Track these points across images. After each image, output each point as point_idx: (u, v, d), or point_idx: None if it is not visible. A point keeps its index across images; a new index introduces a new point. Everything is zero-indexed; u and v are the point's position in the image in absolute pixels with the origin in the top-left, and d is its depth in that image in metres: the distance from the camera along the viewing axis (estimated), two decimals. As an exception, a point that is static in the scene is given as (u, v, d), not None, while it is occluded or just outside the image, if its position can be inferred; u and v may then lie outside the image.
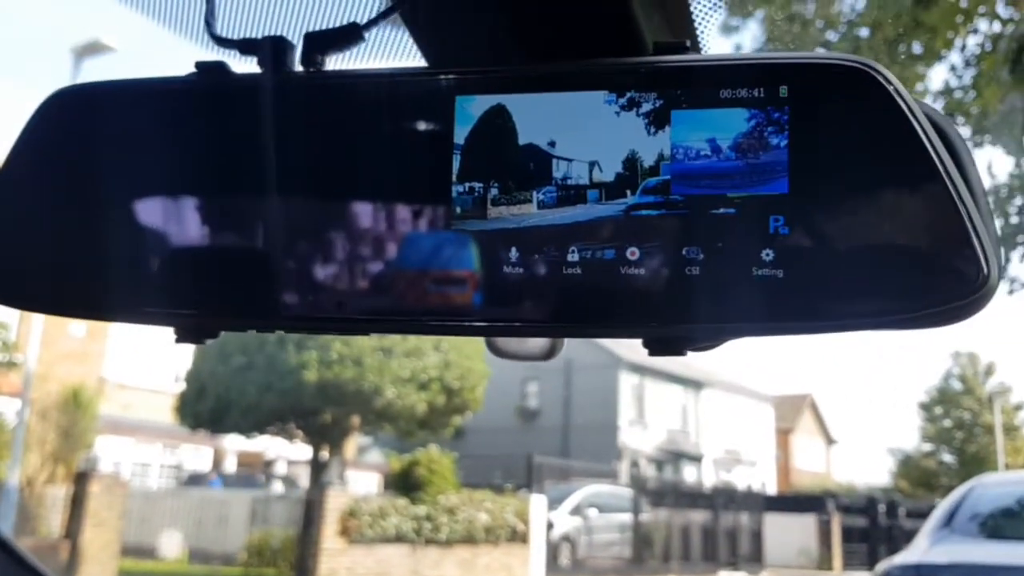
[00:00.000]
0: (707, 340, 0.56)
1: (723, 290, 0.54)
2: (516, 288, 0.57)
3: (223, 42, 0.67)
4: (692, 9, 0.59)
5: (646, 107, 0.56)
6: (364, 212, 0.59)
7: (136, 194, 0.62)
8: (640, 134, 0.56)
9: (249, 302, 0.60)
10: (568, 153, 0.57)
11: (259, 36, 0.65)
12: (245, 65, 0.64)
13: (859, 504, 25.28)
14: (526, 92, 0.58)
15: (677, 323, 0.55)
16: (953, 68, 10.42)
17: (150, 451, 23.09)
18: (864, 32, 10.30)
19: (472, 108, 0.59)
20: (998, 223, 9.97)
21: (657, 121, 0.56)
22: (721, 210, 0.54)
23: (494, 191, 0.58)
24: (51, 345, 18.42)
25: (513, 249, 0.57)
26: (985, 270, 0.51)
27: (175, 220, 0.61)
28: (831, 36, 10.65)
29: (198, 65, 0.63)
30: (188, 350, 17.76)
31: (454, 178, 0.58)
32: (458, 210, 0.58)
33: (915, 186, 0.52)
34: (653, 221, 0.55)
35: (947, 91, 10.56)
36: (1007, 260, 9.90)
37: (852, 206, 0.53)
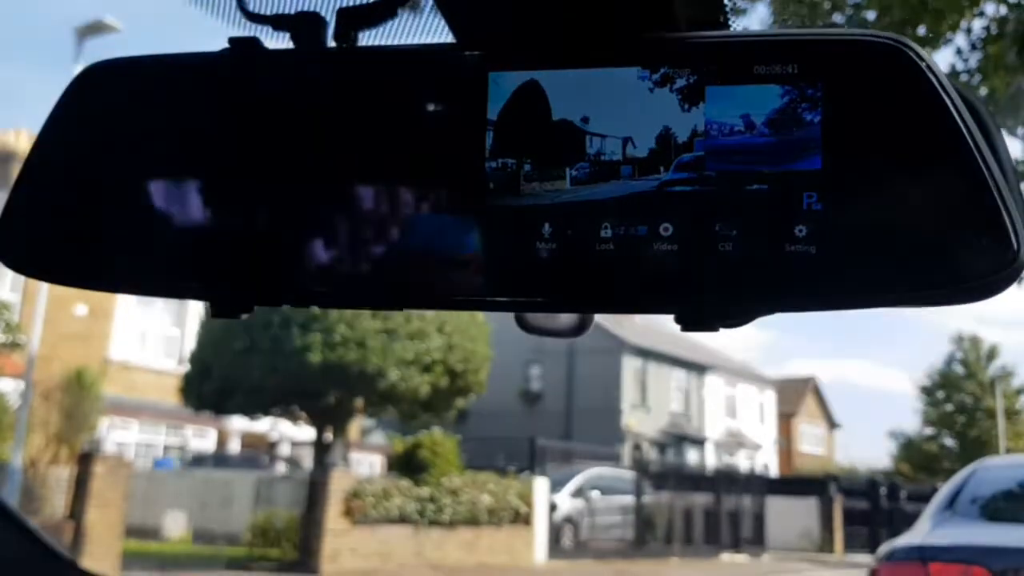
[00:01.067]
0: (739, 316, 0.56)
1: (756, 265, 0.54)
2: (548, 264, 0.57)
3: (255, 18, 0.67)
4: None
5: (680, 83, 0.56)
6: (398, 188, 0.59)
7: (169, 169, 0.62)
8: (674, 110, 0.56)
9: (283, 278, 0.61)
10: (601, 129, 0.57)
11: (291, 12, 0.65)
12: (277, 42, 0.64)
13: (861, 487, 25.38)
14: (559, 68, 0.58)
15: (710, 299, 0.56)
16: (959, 51, 10.37)
17: (154, 432, 23.16)
18: (871, 15, 10.26)
19: (505, 84, 0.59)
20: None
21: (691, 97, 0.56)
22: (755, 186, 0.55)
23: (527, 167, 0.58)
24: (55, 326, 18.46)
25: (546, 225, 0.57)
26: (1015, 246, 0.51)
27: (208, 195, 0.61)
28: (838, 18, 10.61)
29: (231, 41, 0.63)
30: (192, 331, 17.80)
31: (487, 154, 0.58)
32: (491, 186, 0.58)
33: (947, 163, 0.52)
34: (686, 197, 0.56)
35: (953, 74, 10.53)
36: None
37: (885, 183, 0.53)
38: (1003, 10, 9.36)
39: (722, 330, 0.57)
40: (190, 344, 16.60)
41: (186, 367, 15.81)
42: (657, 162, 0.56)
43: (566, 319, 0.67)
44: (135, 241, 0.62)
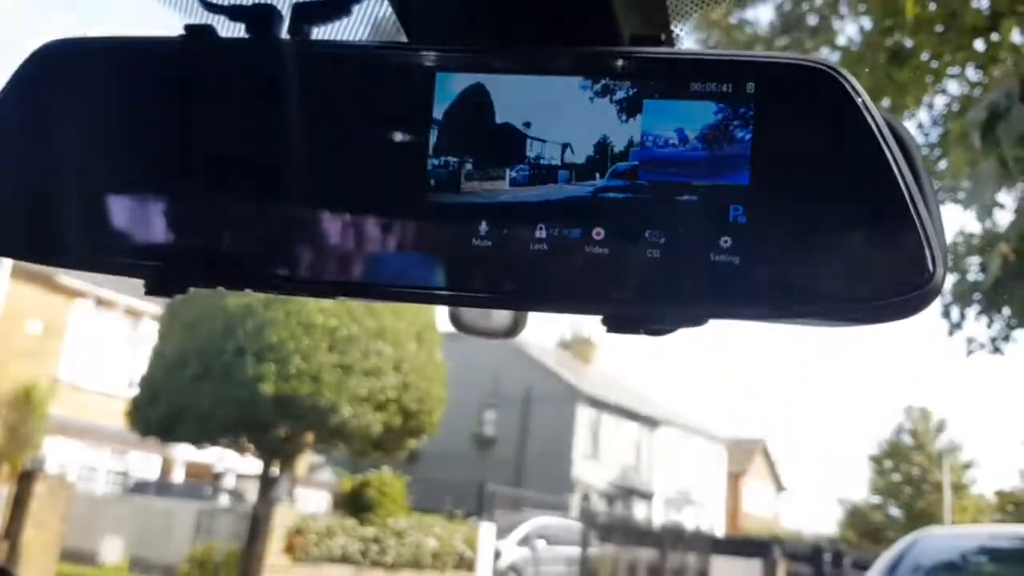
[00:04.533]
0: (663, 321, 0.58)
1: (681, 273, 0.56)
2: (484, 261, 0.59)
3: (212, 7, 0.68)
4: (668, 4, 0.62)
5: (619, 95, 0.59)
6: (340, 179, 0.61)
7: (117, 148, 0.63)
8: (612, 120, 0.58)
9: (218, 260, 0.62)
10: (542, 134, 0.59)
11: (248, 3, 0.67)
12: (233, 31, 0.66)
13: (805, 552, 25.39)
14: (505, 73, 0.60)
15: (636, 303, 0.58)
16: (921, 126, 10.64)
17: (98, 455, 22.69)
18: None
19: (452, 85, 0.61)
20: (955, 279, 10.15)
21: (629, 109, 0.58)
22: (684, 197, 0.57)
23: (468, 166, 0.60)
24: (7, 341, 18.14)
25: (483, 223, 0.59)
26: (931, 268, 0.53)
27: (152, 175, 0.62)
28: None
29: (187, 27, 0.65)
30: (144, 354, 17.54)
31: (430, 151, 0.60)
32: (432, 183, 0.60)
33: (870, 184, 0.55)
34: (619, 204, 0.58)
35: (914, 149, 10.78)
36: (963, 317, 10.06)
37: (809, 200, 0.55)
38: (964, 89, 9.63)
39: (646, 336, 0.59)
40: (141, 368, 16.34)
41: (135, 391, 15.55)
42: (593, 169, 0.58)
43: (500, 320, 0.68)
44: (80, 217, 0.63)
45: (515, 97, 0.60)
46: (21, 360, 19.00)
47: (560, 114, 0.59)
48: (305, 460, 22.28)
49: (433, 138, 0.60)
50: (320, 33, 0.67)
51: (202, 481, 23.64)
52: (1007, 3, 7.84)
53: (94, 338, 22.15)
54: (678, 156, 0.57)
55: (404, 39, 0.65)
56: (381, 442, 15.06)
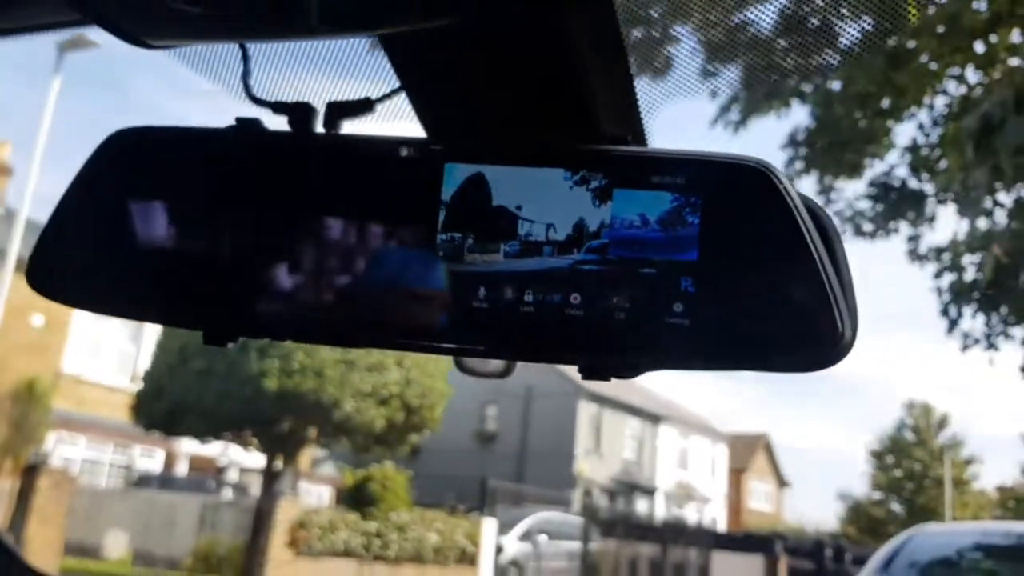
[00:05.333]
0: (628, 370, 0.71)
1: (642, 332, 0.69)
2: (482, 319, 0.71)
3: (258, 101, 0.81)
4: (640, 106, 0.75)
5: (594, 184, 0.71)
6: (365, 250, 0.74)
7: (179, 221, 0.76)
8: (588, 205, 0.71)
9: (266, 317, 0.74)
10: (531, 215, 0.72)
11: (289, 100, 0.79)
12: (275, 122, 0.78)
13: (806, 547, 25.51)
14: (502, 164, 0.73)
15: (606, 355, 0.70)
16: (921, 126, 10.74)
17: (102, 449, 22.86)
18: (836, 85, 10.59)
19: (458, 173, 0.73)
20: (953, 278, 10.24)
21: (602, 196, 0.71)
22: (645, 270, 0.69)
23: (470, 241, 0.72)
24: (9, 335, 18.26)
25: (482, 288, 0.71)
26: (840, 329, 0.66)
27: (208, 244, 0.75)
28: (806, 88, 10.94)
29: (238, 120, 0.78)
30: (147, 348, 17.66)
31: (439, 228, 0.73)
32: (441, 254, 0.73)
33: (793, 263, 0.67)
34: (593, 275, 0.70)
35: (914, 147, 10.89)
36: (960, 315, 10.18)
37: (745, 275, 0.68)
38: (963, 90, 9.73)
39: (613, 380, 0.72)
40: (145, 362, 16.48)
41: (139, 385, 15.69)
42: (572, 245, 0.71)
43: (495, 364, 0.81)
44: (146, 277, 0.76)
45: (509, 184, 0.73)
46: (24, 354, 19.13)
47: (546, 199, 0.72)
48: (308, 455, 22.44)
49: (442, 217, 0.73)
50: (350, 127, 0.80)
51: (206, 475, 23.78)
52: (1006, 5, 7.94)
53: (97, 332, 22.29)
54: (641, 236, 0.70)
55: (420, 131, 0.78)
56: (384, 437, 15.19)
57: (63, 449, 20.70)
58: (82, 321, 21.58)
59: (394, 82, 0.79)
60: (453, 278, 0.72)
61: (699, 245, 0.69)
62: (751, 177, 0.69)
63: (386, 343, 0.75)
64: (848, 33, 0.86)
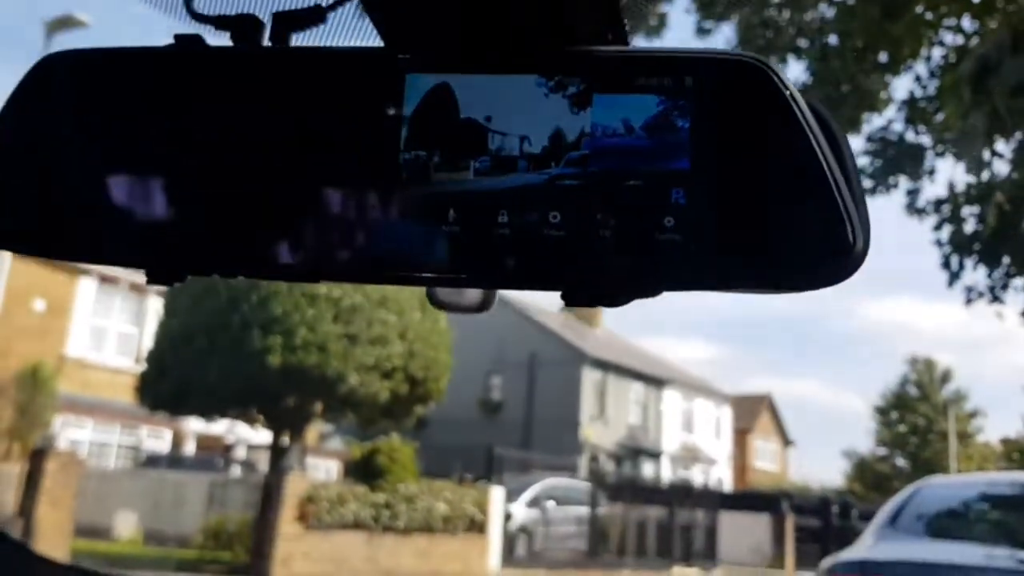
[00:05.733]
0: (615, 294, 0.64)
1: (630, 251, 0.62)
2: (453, 244, 0.64)
3: (199, 17, 0.74)
4: (620, 2, 0.68)
5: (571, 90, 0.64)
6: (320, 173, 0.67)
7: (116, 151, 0.69)
8: (565, 113, 0.64)
9: (214, 251, 0.68)
10: (502, 128, 0.65)
11: (232, 13, 0.72)
12: (219, 39, 0.72)
13: (813, 505, 25.62)
14: (468, 73, 0.66)
15: (591, 279, 0.64)
16: (918, 78, 10.64)
17: (109, 431, 22.91)
18: (833, 39, 10.48)
19: (420, 85, 0.66)
20: (952, 230, 10.17)
21: (580, 103, 0.64)
22: (631, 182, 0.62)
23: (436, 159, 0.65)
24: (11, 320, 18.26)
25: (451, 210, 0.65)
26: (851, 240, 0.59)
27: (149, 174, 0.68)
28: (802, 42, 10.82)
29: (177, 37, 0.71)
30: (150, 330, 17.65)
31: (402, 146, 0.66)
32: (405, 175, 0.66)
33: (797, 168, 0.60)
34: (573, 190, 0.63)
35: (911, 100, 10.78)
36: (961, 267, 10.12)
37: (743, 183, 0.61)
38: (961, 40, 9.61)
39: (601, 307, 0.65)
40: (148, 343, 16.46)
41: (143, 366, 15.67)
42: (549, 158, 0.64)
43: (471, 296, 0.75)
44: (83, 215, 0.69)
45: (477, 94, 0.66)
46: (27, 339, 19.14)
47: (518, 109, 0.65)
48: (315, 429, 22.48)
49: (404, 134, 0.66)
50: (299, 39, 0.73)
51: (213, 453, 23.87)
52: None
53: (100, 315, 22.28)
54: (625, 145, 0.63)
55: (377, 41, 0.71)
56: (389, 410, 15.21)
57: (70, 432, 20.74)
58: (84, 304, 21.56)
59: None
60: (420, 200, 0.65)
61: (690, 152, 0.62)
62: (747, 75, 0.62)
63: (348, 276, 0.68)
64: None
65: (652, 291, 0.64)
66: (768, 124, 0.61)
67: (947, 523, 5.91)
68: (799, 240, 0.60)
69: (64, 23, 14.73)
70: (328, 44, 0.73)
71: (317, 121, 0.67)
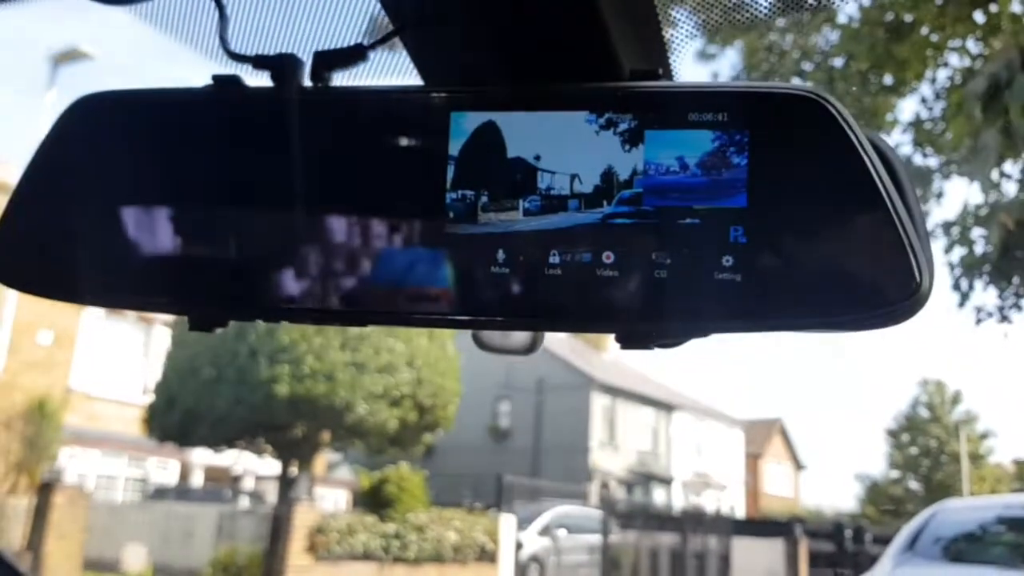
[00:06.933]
0: (672, 336, 0.62)
1: (687, 291, 0.60)
2: (502, 286, 0.62)
3: (237, 57, 0.72)
4: (666, 37, 0.66)
5: (622, 127, 0.62)
6: (365, 215, 0.65)
7: (152, 194, 0.67)
8: (616, 151, 0.62)
9: (256, 296, 0.65)
10: (552, 166, 0.63)
11: (271, 53, 0.70)
12: (258, 79, 0.70)
13: (826, 529, 25.40)
14: (515, 111, 0.64)
15: (646, 320, 0.61)
16: (924, 100, 10.64)
17: (116, 463, 22.82)
18: (838, 62, 10.50)
19: (465, 123, 0.64)
20: (963, 252, 10.13)
21: (632, 140, 0.62)
22: (687, 220, 0.60)
23: (484, 199, 0.63)
24: (17, 354, 18.24)
25: (500, 251, 0.63)
26: (918, 278, 0.57)
27: (188, 219, 0.66)
28: (807, 66, 10.84)
29: (215, 78, 0.69)
30: (156, 361, 17.61)
31: (448, 186, 0.64)
32: (451, 215, 0.63)
33: (859, 204, 0.58)
34: (626, 229, 0.61)
35: (917, 122, 10.78)
36: (971, 288, 10.07)
37: (803, 220, 0.59)
38: (967, 61, 9.62)
39: (656, 349, 0.62)
40: (155, 374, 16.42)
41: (150, 397, 15.63)
42: (601, 197, 0.62)
43: (519, 338, 0.72)
44: (120, 260, 0.67)
45: (525, 132, 0.64)
46: (33, 372, 19.09)
47: (568, 146, 0.63)
48: (323, 459, 22.39)
49: (450, 173, 0.64)
50: (340, 79, 0.71)
51: (221, 484, 23.76)
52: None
53: (105, 347, 22.25)
54: (679, 182, 0.61)
55: (419, 82, 0.68)
56: (397, 438, 15.13)
57: (77, 465, 20.66)
58: (90, 337, 21.53)
59: (388, 25, 0.70)
60: (467, 241, 0.63)
61: (748, 189, 0.60)
62: (804, 108, 0.60)
63: (394, 320, 0.66)
64: None
65: (708, 331, 0.61)
66: (828, 159, 0.59)
67: (965, 546, 5.87)
68: (863, 279, 0.58)
69: (70, 55, 14.82)
70: (368, 83, 0.71)
71: (360, 162, 0.65)
